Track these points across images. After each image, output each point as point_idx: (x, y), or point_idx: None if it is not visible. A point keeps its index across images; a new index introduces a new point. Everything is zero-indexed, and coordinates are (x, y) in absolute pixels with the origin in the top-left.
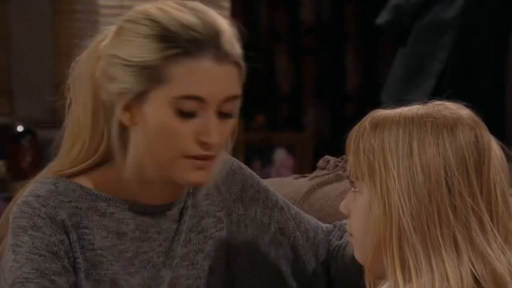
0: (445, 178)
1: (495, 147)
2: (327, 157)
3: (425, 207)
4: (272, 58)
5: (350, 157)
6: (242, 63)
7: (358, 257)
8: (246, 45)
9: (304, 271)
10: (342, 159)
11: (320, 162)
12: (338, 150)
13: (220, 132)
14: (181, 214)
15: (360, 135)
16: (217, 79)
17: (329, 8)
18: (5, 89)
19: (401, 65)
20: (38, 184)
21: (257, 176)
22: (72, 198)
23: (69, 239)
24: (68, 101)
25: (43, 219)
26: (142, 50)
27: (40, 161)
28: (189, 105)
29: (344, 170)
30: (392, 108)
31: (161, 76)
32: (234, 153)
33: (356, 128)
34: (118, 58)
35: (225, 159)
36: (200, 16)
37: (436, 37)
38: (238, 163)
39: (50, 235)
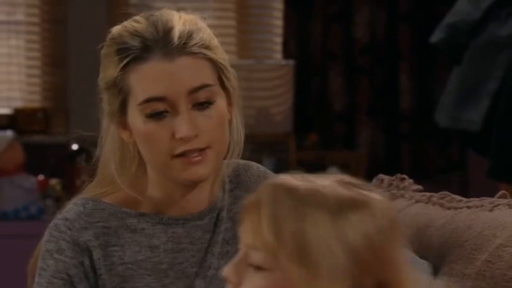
0: None
1: None
2: (381, 176)
3: None
4: (325, 77)
5: (259, 225)
6: (206, 51)
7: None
8: (300, 64)
9: None
10: (396, 177)
11: (374, 181)
12: (392, 169)
13: (196, 123)
14: (215, 225)
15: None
16: (170, 75)
17: (383, 27)
18: (61, 108)
19: (456, 84)
20: (69, 206)
21: None
22: (100, 218)
23: (91, 258)
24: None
25: (68, 242)
26: (108, 70)
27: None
28: (153, 107)
29: (399, 189)
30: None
31: (125, 87)
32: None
33: (268, 195)
34: (100, 85)
35: (266, 176)
36: (152, 21)
37: (492, 56)
38: (263, 169)
39: (72, 257)
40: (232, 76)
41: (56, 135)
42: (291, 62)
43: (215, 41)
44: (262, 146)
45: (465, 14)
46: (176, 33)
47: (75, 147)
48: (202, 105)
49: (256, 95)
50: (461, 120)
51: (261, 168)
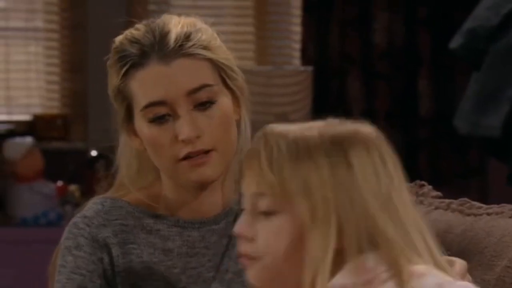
0: None
1: None
2: None
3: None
4: (344, 82)
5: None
6: (204, 52)
7: (261, 280)
8: (318, 70)
9: None
10: (415, 184)
11: None
12: (410, 174)
13: (197, 123)
14: (233, 228)
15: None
16: (168, 79)
17: (402, 32)
18: (80, 114)
19: (475, 90)
20: (88, 205)
21: None
22: (118, 216)
23: (110, 255)
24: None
25: (86, 238)
26: (112, 79)
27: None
28: (155, 112)
29: (418, 196)
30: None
31: (128, 95)
32: None
33: (263, 142)
34: (109, 95)
35: None
36: (150, 27)
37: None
38: None
39: (91, 253)
40: (238, 76)
41: (75, 141)
42: (309, 68)
43: (216, 42)
44: None
45: (484, 19)
46: (172, 36)
47: (94, 153)
48: (204, 105)
49: (275, 101)
50: (481, 126)
51: None
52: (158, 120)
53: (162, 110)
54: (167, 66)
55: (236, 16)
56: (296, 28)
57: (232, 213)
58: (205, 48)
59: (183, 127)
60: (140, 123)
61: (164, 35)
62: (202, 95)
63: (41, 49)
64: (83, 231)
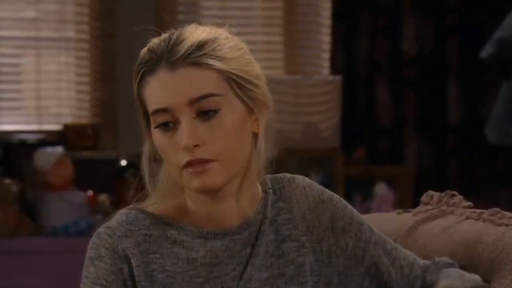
0: None
1: None
2: (430, 192)
3: None
4: (372, 90)
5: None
6: (213, 62)
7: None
8: (347, 78)
9: None
10: (446, 194)
11: (424, 197)
12: (439, 183)
13: (197, 132)
14: (256, 238)
15: None
16: (172, 86)
17: (431, 39)
18: (110, 124)
19: (505, 99)
20: (115, 216)
21: (352, 209)
22: (141, 226)
23: (130, 266)
24: None
25: (107, 249)
26: (133, 86)
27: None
28: (160, 119)
29: (448, 206)
30: None
31: (143, 101)
32: (334, 186)
33: None
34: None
35: (312, 188)
36: (168, 35)
37: None
38: (329, 194)
39: (111, 264)
40: (255, 88)
41: (105, 150)
42: (338, 77)
43: (235, 53)
44: (310, 162)
45: None
46: (185, 44)
47: (123, 162)
48: (206, 114)
49: (304, 110)
50: (510, 135)
51: (307, 180)
52: (163, 126)
53: (166, 117)
54: (173, 73)
55: (265, 25)
56: (325, 38)
57: (255, 223)
58: (217, 58)
59: (183, 135)
60: (152, 129)
61: (177, 43)
62: (205, 104)
63: (72, 59)
64: (104, 241)
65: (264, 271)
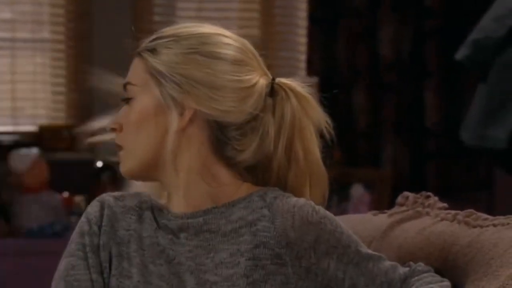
0: None
1: None
2: (406, 193)
3: None
4: (350, 94)
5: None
6: (145, 54)
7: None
8: (324, 81)
9: None
10: (421, 195)
11: (399, 199)
12: (417, 186)
13: (119, 116)
14: (236, 231)
15: None
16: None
17: (409, 43)
18: (86, 125)
19: (481, 102)
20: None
21: (341, 232)
22: (127, 202)
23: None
24: None
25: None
26: None
27: None
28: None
29: (424, 207)
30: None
31: None
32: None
33: None
34: None
35: (303, 209)
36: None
37: None
38: (320, 216)
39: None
40: (174, 86)
41: (81, 152)
42: (314, 79)
43: (177, 50)
44: None
45: (490, 31)
46: (149, 37)
47: (99, 164)
48: (126, 101)
49: None
50: (487, 137)
51: (302, 201)
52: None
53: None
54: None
55: (241, 27)
56: (302, 39)
57: (217, 212)
58: (152, 51)
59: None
60: None
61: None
62: (126, 91)
63: (47, 60)
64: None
65: (231, 268)
